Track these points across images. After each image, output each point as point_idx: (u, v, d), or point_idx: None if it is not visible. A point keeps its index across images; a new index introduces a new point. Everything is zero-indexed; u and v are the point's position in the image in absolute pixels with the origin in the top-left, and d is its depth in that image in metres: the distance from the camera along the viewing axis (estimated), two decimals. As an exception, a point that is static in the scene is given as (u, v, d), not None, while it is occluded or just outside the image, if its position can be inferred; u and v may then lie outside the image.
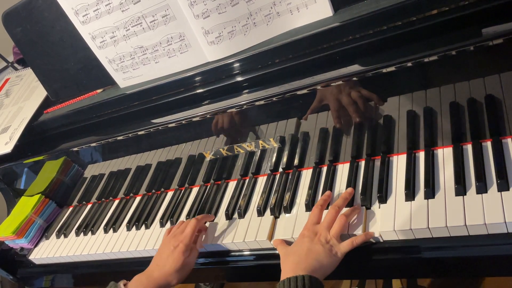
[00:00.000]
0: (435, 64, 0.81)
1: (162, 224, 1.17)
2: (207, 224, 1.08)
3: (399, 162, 0.93)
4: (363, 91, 0.90)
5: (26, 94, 1.43)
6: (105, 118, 1.18)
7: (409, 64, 0.82)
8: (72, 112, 1.21)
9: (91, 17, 1.01)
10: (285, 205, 1.00)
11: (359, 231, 0.86)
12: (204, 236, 1.05)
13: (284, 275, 0.80)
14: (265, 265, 1.00)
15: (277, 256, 0.97)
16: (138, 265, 1.14)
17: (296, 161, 1.06)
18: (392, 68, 0.83)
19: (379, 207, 0.88)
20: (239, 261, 1.03)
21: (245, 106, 1.00)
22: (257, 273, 1.04)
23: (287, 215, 0.99)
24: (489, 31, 0.75)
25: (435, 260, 0.83)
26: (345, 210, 0.89)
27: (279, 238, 0.94)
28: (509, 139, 0.84)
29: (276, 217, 1.00)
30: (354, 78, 0.87)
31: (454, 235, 0.79)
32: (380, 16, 0.81)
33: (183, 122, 1.08)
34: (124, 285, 0.94)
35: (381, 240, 0.85)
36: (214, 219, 1.09)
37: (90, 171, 1.35)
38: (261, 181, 1.11)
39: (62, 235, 1.34)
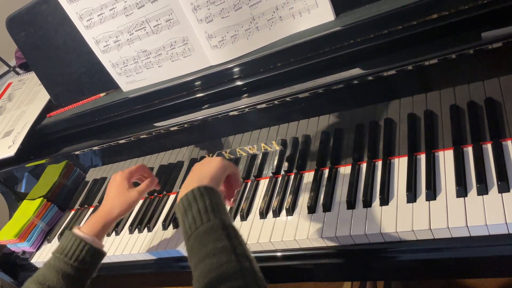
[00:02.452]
0: (435, 68, 0.82)
1: (165, 227, 1.17)
2: None
3: (400, 165, 0.94)
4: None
5: (28, 98, 1.44)
6: (108, 121, 1.19)
7: (410, 67, 0.83)
8: (75, 116, 1.21)
9: (95, 21, 1.02)
10: (287, 207, 1.00)
11: (360, 232, 0.87)
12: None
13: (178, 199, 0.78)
14: (267, 268, 1.01)
15: (279, 258, 0.98)
16: (140, 268, 1.15)
17: (298, 164, 1.07)
18: (393, 72, 0.84)
19: (381, 209, 0.89)
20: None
21: (247, 110, 1.01)
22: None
23: (289, 217, 1.00)
24: (488, 35, 0.76)
25: (436, 261, 0.84)
26: None
27: None
28: (509, 141, 0.85)
29: (278, 220, 1.01)
30: (355, 82, 0.88)
31: (456, 236, 0.80)
32: (381, 20, 0.83)
33: (186, 125, 1.09)
34: (79, 228, 0.96)
35: (384, 241, 0.85)
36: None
37: (92, 174, 1.36)
38: (263, 184, 1.12)
39: (64, 239, 1.35)
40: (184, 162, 1.19)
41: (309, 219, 0.96)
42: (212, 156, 1.14)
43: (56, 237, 1.37)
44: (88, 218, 1.00)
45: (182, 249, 1.09)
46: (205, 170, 0.81)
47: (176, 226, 1.16)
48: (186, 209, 0.74)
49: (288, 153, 1.07)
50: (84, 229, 0.96)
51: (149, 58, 1.05)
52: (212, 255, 0.67)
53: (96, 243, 0.94)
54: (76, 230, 0.95)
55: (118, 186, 1.01)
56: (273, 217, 1.02)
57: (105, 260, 1.21)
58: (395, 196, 0.90)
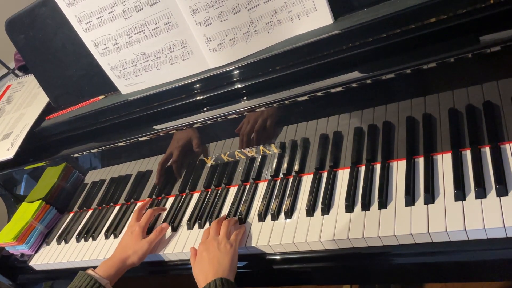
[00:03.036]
0: (434, 71, 0.82)
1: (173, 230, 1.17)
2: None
3: (398, 168, 0.94)
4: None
5: (27, 101, 1.44)
6: (107, 124, 1.19)
7: (408, 71, 0.83)
8: (74, 119, 1.21)
9: (94, 24, 1.03)
10: (285, 210, 1.00)
11: (359, 235, 0.87)
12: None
13: (200, 286, 0.91)
14: (266, 271, 1.01)
15: (277, 261, 0.98)
16: (137, 271, 1.15)
17: (296, 167, 1.07)
18: (392, 75, 0.85)
19: (380, 213, 0.89)
20: (239, 267, 1.04)
21: (246, 113, 1.01)
22: (253, 278, 1.05)
23: (288, 220, 1.00)
24: (486, 38, 0.76)
25: (435, 265, 0.84)
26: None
27: (193, 247, 1.03)
28: (507, 145, 0.85)
29: (277, 223, 1.01)
30: (354, 85, 0.88)
31: (454, 240, 0.80)
32: (380, 24, 0.83)
33: (184, 128, 1.09)
34: (93, 270, 1.03)
35: (382, 245, 0.85)
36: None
37: (91, 177, 1.36)
38: (262, 186, 1.12)
39: (63, 241, 1.35)
40: (182, 165, 1.19)
41: (307, 222, 0.96)
42: (211, 159, 1.14)
43: (54, 240, 1.37)
44: (102, 263, 1.08)
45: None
46: (223, 262, 0.92)
47: (174, 229, 1.15)
48: None
49: (287, 156, 1.07)
50: (99, 271, 1.02)
51: (148, 61, 1.05)
52: None
53: (108, 287, 1.00)
54: (90, 271, 1.01)
55: (134, 237, 1.10)
56: (272, 220, 1.02)
57: (96, 264, 1.22)
58: (394, 199, 0.90)
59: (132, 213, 1.17)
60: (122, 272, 1.06)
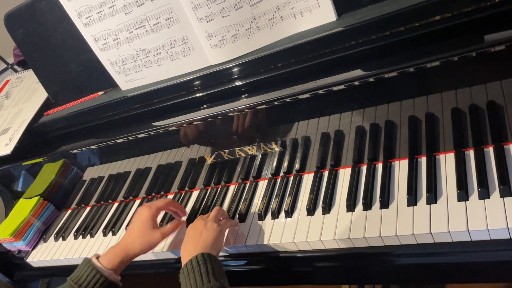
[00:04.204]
0: (437, 70, 0.81)
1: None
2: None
3: (401, 167, 0.93)
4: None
5: (26, 96, 1.43)
6: (106, 120, 1.18)
7: (411, 69, 0.82)
8: (73, 114, 1.20)
9: (94, 19, 1.01)
10: (286, 209, 0.99)
11: (360, 235, 0.86)
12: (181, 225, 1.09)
13: (183, 263, 0.88)
14: (265, 269, 1.00)
15: (276, 260, 0.97)
16: (135, 268, 1.14)
17: (297, 165, 1.06)
18: (395, 74, 0.84)
19: (381, 212, 0.88)
20: (236, 265, 1.03)
21: (246, 110, 1.00)
22: (255, 277, 1.04)
23: (288, 219, 0.99)
24: (491, 37, 0.76)
25: (437, 266, 0.83)
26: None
27: None
28: (511, 145, 0.84)
29: (277, 222, 1.00)
30: (356, 83, 0.88)
31: (456, 241, 0.79)
32: (383, 21, 0.82)
33: (185, 125, 1.08)
34: (97, 258, 0.97)
35: (384, 245, 0.85)
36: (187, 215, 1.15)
37: (89, 173, 1.35)
38: (262, 185, 1.11)
39: (61, 238, 1.34)
40: (182, 162, 1.18)
41: (308, 221, 0.95)
42: (210, 157, 1.13)
43: (52, 236, 1.36)
44: (107, 249, 1.01)
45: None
46: (206, 238, 0.90)
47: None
48: (189, 273, 0.83)
49: (287, 154, 1.06)
50: (103, 260, 0.96)
51: (148, 56, 1.04)
52: None
53: (112, 277, 0.95)
54: (94, 260, 0.96)
55: (142, 223, 1.00)
56: (272, 219, 1.01)
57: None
58: (396, 199, 0.89)
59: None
60: (129, 260, 0.99)
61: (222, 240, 0.94)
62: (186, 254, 0.89)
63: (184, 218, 1.13)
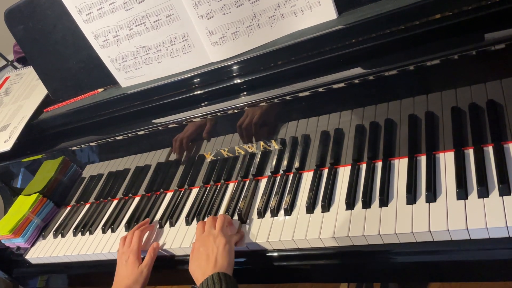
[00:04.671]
0: (437, 68, 0.81)
1: (161, 225, 1.16)
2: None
3: (400, 166, 0.93)
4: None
5: (26, 93, 1.43)
6: (106, 117, 1.17)
7: (411, 68, 0.82)
8: (73, 111, 1.20)
9: (95, 16, 1.01)
10: (285, 207, 0.99)
11: (359, 233, 0.86)
12: (153, 239, 1.13)
13: (197, 282, 0.91)
14: (264, 267, 1.00)
15: (276, 258, 0.97)
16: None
17: (297, 164, 1.06)
18: (395, 72, 0.84)
19: (380, 211, 0.88)
20: (237, 263, 1.03)
21: (246, 108, 1.00)
22: (252, 275, 1.04)
23: (287, 217, 0.99)
24: (491, 36, 0.76)
25: (435, 264, 0.83)
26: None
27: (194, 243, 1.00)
28: (510, 144, 0.84)
29: (276, 220, 1.00)
30: (356, 81, 0.88)
31: (455, 239, 0.79)
32: (384, 19, 0.82)
33: (184, 123, 1.08)
34: None
35: (383, 243, 0.85)
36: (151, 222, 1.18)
37: (89, 171, 1.35)
38: (262, 183, 1.11)
39: (60, 235, 1.33)
40: (182, 159, 1.18)
41: (307, 220, 0.95)
42: (210, 155, 1.13)
43: (51, 233, 1.36)
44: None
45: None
46: (220, 257, 0.91)
47: (172, 224, 1.15)
48: None
49: (287, 152, 1.06)
50: None
51: (149, 54, 1.04)
52: None
53: None
54: None
55: (130, 265, 1.05)
56: (271, 216, 1.01)
57: (101, 257, 1.22)
58: (395, 197, 0.89)
59: (120, 240, 1.12)
60: None
61: (233, 255, 0.94)
62: (200, 273, 0.90)
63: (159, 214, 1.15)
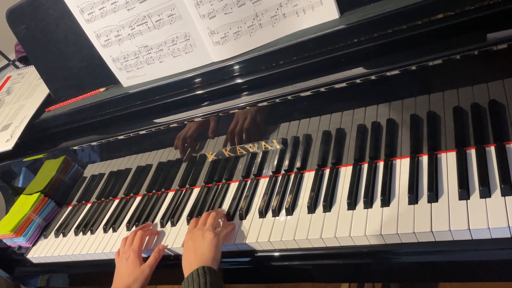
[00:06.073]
0: (439, 68, 0.81)
1: (163, 225, 1.16)
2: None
3: (402, 166, 0.93)
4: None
5: (27, 92, 1.43)
6: (107, 117, 1.17)
7: (414, 67, 0.82)
8: (74, 111, 1.20)
9: (97, 15, 1.01)
10: (287, 207, 0.99)
11: (360, 233, 0.86)
12: (155, 239, 1.13)
13: (185, 274, 0.93)
14: (265, 267, 1.00)
15: (277, 258, 0.97)
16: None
17: (298, 163, 1.06)
18: (397, 72, 0.84)
19: (382, 211, 0.88)
20: (237, 263, 1.03)
21: (248, 108, 1.00)
22: (253, 274, 1.04)
23: (289, 217, 0.99)
24: (493, 36, 0.75)
25: (437, 264, 0.83)
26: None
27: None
28: (512, 144, 0.84)
29: (277, 219, 1.00)
30: (358, 81, 0.88)
31: (457, 239, 0.79)
32: (386, 19, 0.82)
33: (186, 122, 1.08)
34: None
35: (384, 243, 0.85)
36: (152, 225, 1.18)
37: (90, 170, 1.35)
38: (263, 182, 1.11)
39: (61, 234, 1.34)
40: (183, 159, 1.18)
41: (308, 219, 0.95)
42: (212, 154, 1.13)
43: (52, 233, 1.36)
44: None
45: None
46: (205, 251, 0.94)
47: (173, 224, 1.15)
48: (189, 284, 0.88)
49: (288, 152, 1.06)
50: None
51: (150, 53, 1.04)
52: None
53: None
54: None
55: (131, 263, 1.05)
56: (273, 216, 1.01)
57: (102, 257, 1.22)
58: (397, 197, 0.89)
59: (122, 240, 1.12)
60: None
61: (220, 250, 0.96)
62: (187, 266, 0.93)
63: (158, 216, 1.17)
